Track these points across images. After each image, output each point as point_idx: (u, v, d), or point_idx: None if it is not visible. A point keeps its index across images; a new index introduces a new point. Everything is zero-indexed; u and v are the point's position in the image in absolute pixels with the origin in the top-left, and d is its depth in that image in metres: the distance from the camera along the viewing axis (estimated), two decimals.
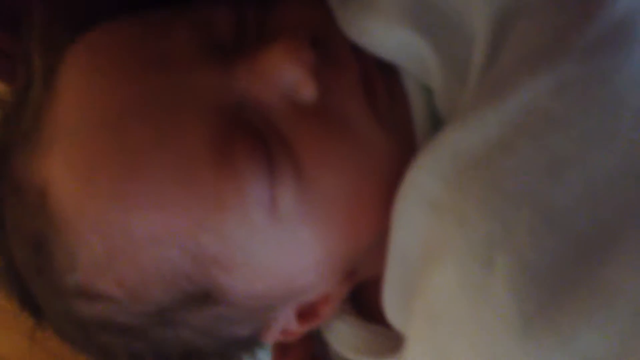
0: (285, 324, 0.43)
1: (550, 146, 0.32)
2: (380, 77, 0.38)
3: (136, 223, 0.35)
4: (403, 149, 0.38)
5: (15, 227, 0.38)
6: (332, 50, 0.38)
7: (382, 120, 0.37)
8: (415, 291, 0.36)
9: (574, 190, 0.31)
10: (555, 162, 0.32)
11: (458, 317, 0.32)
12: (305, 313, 0.43)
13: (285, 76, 0.36)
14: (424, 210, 0.34)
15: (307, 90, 0.36)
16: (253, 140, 0.35)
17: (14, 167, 0.38)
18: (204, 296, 0.37)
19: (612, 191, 0.31)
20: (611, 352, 0.29)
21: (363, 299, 0.47)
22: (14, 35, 0.47)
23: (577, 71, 0.32)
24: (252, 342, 0.44)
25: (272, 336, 0.43)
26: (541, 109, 0.32)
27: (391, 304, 0.39)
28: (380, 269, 0.40)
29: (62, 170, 0.35)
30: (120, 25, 0.39)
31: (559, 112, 0.32)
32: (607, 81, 0.32)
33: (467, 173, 0.33)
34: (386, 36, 0.38)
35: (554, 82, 0.32)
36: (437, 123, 0.38)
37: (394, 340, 0.43)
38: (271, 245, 0.36)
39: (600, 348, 0.29)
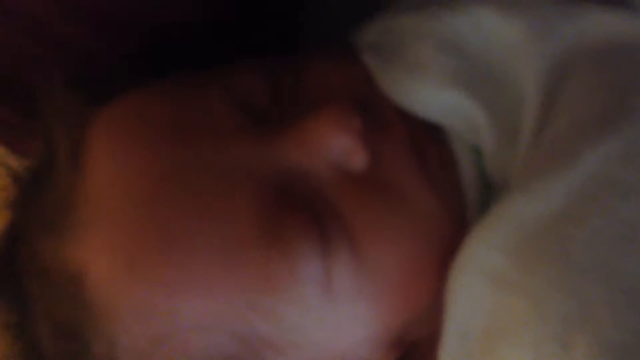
0: None
1: (623, 216, 0.31)
2: (428, 139, 0.37)
3: (182, 309, 0.33)
4: (453, 214, 0.36)
5: (44, 315, 0.36)
6: (377, 113, 0.36)
7: (433, 185, 0.36)
8: None
9: None
10: (628, 232, 0.30)
11: None
12: None
13: (334, 146, 0.34)
14: (487, 285, 0.33)
15: (357, 159, 0.34)
16: (304, 214, 0.33)
17: (40, 252, 0.35)
18: None
19: None
20: None
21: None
22: (16, 107, 0.44)
23: None
24: None
25: None
26: (610, 177, 0.31)
27: None
28: (428, 333, 0.38)
29: (100, 256, 0.33)
30: (149, 94, 0.37)
31: (629, 179, 0.31)
32: None
33: (534, 247, 0.32)
34: (433, 97, 0.36)
35: (620, 148, 0.31)
36: (487, 187, 0.37)
37: None
38: (325, 323, 0.34)
39: None
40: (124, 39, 0.41)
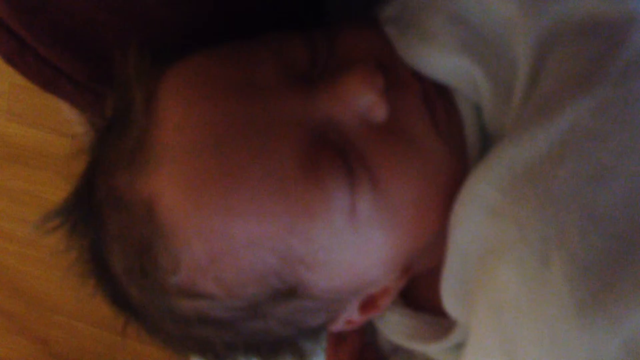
0: (349, 314, 0.48)
1: (593, 158, 0.38)
2: (438, 97, 0.44)
3: (236, 229, 0.40)
4: (457, 158, 0.44)
5: (118, 235, 0.43)
6: (396, 75, 0.43)
7: (441, 135, 0.43)
8: (475, 284, 0.41)
9: (615, 194, 0.37)
10: (598, 172, 0.37)
11: (520, 307, 0.38)
12: (366, 305, 0.48)
13: (361, 99, 0.41)
14: (483, 215, 0.40)
15: (379, 111, 0.41)
16: (335, 155, 0.41)
17: (117, 184, 0.42)
18: (290, 291, 0.42)
19: None
20: None
21: (412, 292, 0.52)
22: (85, 65, 0.51)
23: (613, 94, 0.38)
24: (320, 331, 0.49)
25: (338, 325, 0.49)
26: (583, 127, 0.38)
27: (449, 295, 0.44)
28: (431, 265, 0.46)
29: (170, 185, 0.40)
30: (210, 56, 0.44)
31: (598, 129, 0.38)
32: (638, 101, 0.38)
33: (522, 183, 0.39)
34: (442, 62, 0.43)
35: (593, 103, 0.38)
36: (485, 137, 0.44)
37: (442, 326, 0.49)
38: (349, 246, 0.42)
39: None
40: (190, 9, 0.47)
